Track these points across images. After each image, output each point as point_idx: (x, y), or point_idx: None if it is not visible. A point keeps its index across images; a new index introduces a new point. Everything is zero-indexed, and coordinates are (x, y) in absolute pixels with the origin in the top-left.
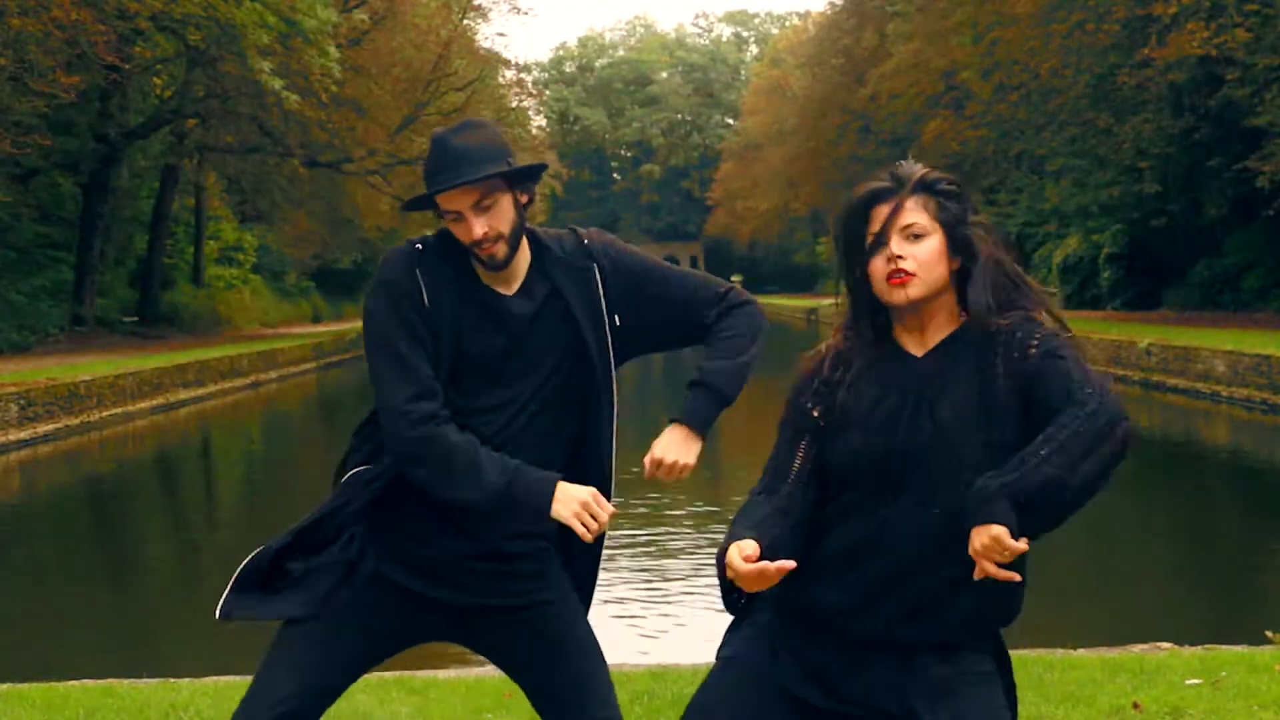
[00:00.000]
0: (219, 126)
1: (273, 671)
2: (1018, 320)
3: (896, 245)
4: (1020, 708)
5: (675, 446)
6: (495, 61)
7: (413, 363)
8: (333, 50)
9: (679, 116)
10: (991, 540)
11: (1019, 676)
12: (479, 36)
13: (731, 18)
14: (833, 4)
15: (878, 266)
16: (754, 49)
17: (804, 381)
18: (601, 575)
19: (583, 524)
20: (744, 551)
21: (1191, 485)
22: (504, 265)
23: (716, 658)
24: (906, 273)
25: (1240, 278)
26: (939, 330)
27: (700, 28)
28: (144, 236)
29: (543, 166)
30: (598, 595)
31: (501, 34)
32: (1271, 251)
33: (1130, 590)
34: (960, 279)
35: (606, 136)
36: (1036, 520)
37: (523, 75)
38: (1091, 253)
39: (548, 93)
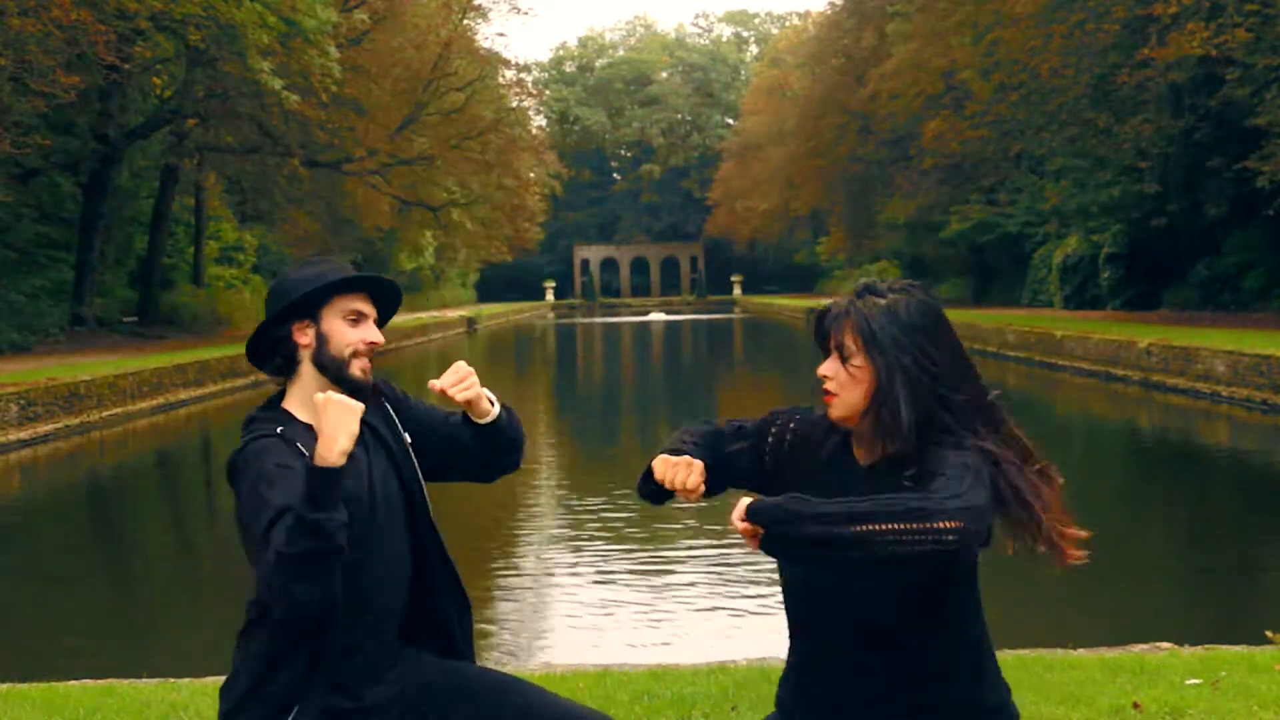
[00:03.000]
0: (219, 126)
1: None
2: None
3: (826, 365)
4: (1020, 707)
5: None
6: (495, 61)
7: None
8: (333, 50)
9: (679, 116)
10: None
11: (1019, 676)
12: (479, 36)
13: (731, 18)
14: (833, 4)
15: None
16: (754, 49)
17: (785, 415)
18: (602, 576)
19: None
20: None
21: (1191, 485)
22: (367, 388)
23: None
24: (829, 392)
25: (1240, 278)
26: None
27: (700, 28)
28: (144, 236)
29: None
30: (600, 594)
31: (501, 34)
32: (1271, 251)
33: (1130, 590)
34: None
35: (606, 136)
36: (773, 536)
37: (523, 75)
38: (1091, 253)
39: (548, 93)
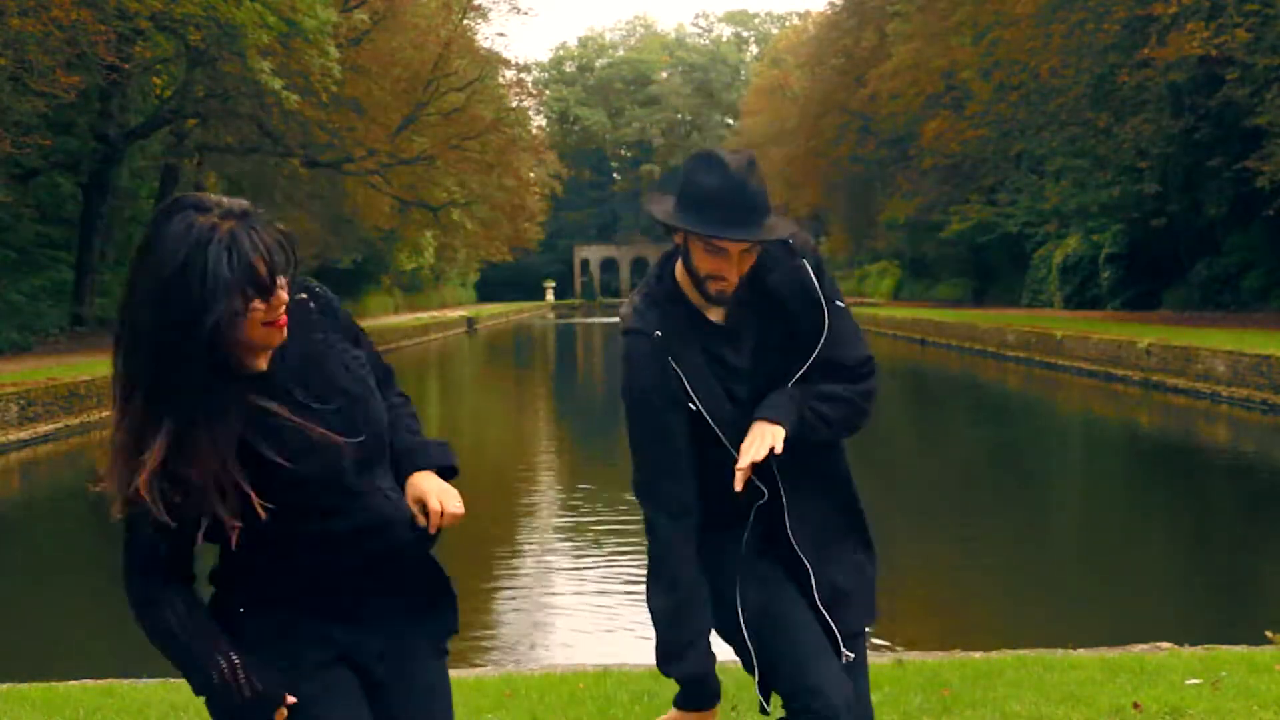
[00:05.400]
0: (219, 126)
1: None
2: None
3: None
4: (1020, 707)
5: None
6: (495, 61)
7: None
8: (333, 50)
9: (679, 116)
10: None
11: (1019, 676)
12: (479, 36)
13: (731, 18)
14: (833, 4)
15: None
16: (754, 49)
17: None
18: (603, 576)
19: None
20: None
21: (1191, 485)
22: (726, 301)
23: None
24: None
25: (1240, 278)
26: None
27: (700, 28)
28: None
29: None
30: (603, 594)
31: (501, 34)
32: (1271, 251)
33: (1130, 590)
34: None
35: (606, 136)
36: None
37: (523, 75)
38: (1091, 253)
39: (548, 93)
